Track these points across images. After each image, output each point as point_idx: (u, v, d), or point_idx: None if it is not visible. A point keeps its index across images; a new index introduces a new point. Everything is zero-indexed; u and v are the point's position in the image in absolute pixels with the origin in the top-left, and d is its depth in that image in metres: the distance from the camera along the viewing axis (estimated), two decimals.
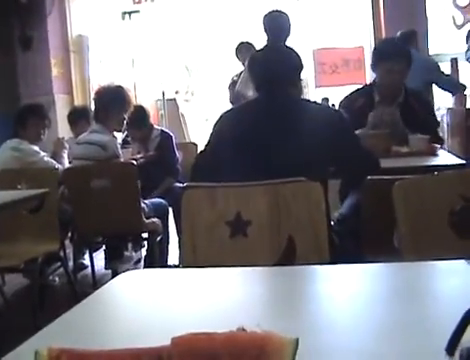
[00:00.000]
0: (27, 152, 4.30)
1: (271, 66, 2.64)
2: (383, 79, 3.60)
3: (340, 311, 1.14)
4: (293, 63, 2.68)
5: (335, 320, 1.09)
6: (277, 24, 5.09)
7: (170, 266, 4.48)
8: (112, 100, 4.10)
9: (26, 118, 4.45)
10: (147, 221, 3.99)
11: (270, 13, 5.15)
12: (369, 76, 7.63)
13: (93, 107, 4.37)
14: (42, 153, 4.38)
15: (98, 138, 4.01)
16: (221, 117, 2.66)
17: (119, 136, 4.80)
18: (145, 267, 4.46)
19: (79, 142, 4.18)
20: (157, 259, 4.15)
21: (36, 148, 4.37)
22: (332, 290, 1.28)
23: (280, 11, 5.18)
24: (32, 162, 4.27)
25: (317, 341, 0.95)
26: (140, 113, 4.80)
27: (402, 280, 1.30)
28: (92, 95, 5.93)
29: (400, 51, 3.64)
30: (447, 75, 6.39)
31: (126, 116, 4.20)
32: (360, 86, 4.01)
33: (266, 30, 5.12)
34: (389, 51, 3.62)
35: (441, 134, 4.38)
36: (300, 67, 2.72)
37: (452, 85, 6.31)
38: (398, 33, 6.14)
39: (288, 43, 4.72)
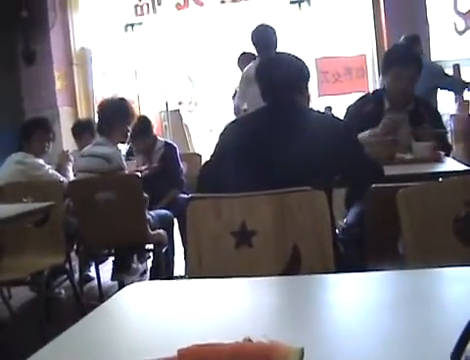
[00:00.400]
0: (32, 166, 4.32)
1: (274, 74, 2.64)
2: (392, 85, 3.57)
3: (346, 319, 1.14)
4: (297, 70, 2.68)
5: (341, 328, 1.09)
6: (264, 37, 5.37)
7: (176, 277, 4.48)
8: (115, 112, 4.12)
9: (31, 132, 4.47)
10: (152, 233, 4.00)
11: (257, 28, 5.46)
12: (372, 84, 7.64)
13: (97, 120, 4.38)
14: (47, 166, 4.39)
15: (102, 150, 4.02)
16: (226, 128, 2.67)
17: (123, 148, 4.81)
18: (151, 279, 4.46)
19: (83, 155, 4.19)
20: (163, 270, 4.15)
21: (41, 161, 4.38)
22: (338, 298, 1.28)
23: (266, 25, 5.48)
24: (37, 175, 4.28)
25: (323, 350, 0.96)
26: (144, 124, 4.83)
27: (407, 287, 1.30)
28: (96, 107, 5.96)
29: (409, 56, 3.62)
30: (450, 76, 6.39)
31: (130, 128, 4.22)
32: (370, 92, 3.99)
33: (254, 44, 5.44)
34: (399, 56, 3.60)
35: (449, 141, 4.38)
36: (305, 74, 2.72)
37: (456, 84, 6.30)
38: (401, 38, 6.16)
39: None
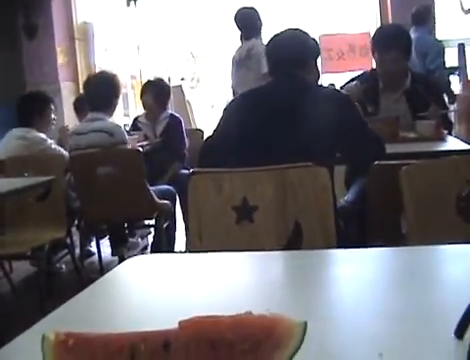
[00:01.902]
0: (34, 140, 4.30)
1: (279, 50, 2.63)
2: (378, 67, 3.63)
3: (347, 295, 1.14)
4: (302, 45, 2.66)
5: (342, 304, 1.09)
6: (249, 19, 5.60)
7: (177, 253, 4.48)
8: (104, 86, 4.12)
9: (34, 106, 4.44)
10: (158, 201, 3.98)
11: (240, 10, 5.68)
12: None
13: (87, 96, 4.35)
14: (49, 141, 4.38)
15: (104, 125, 4.01)
16: (229, 103, 2.67)
17: (125, 122, 4.81)
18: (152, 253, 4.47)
19: (79, 132, 4.14)
20: (164, 246, 4.15)
21: (43, 136, 4.36)
22: (339, 274, 1.28)
23: (249, 7, 5.70)
24: (40, 150, 4.26)
25: (324, 324, 0.95)
26: (164, 82, 5.12)
27: (409, 264, 1.30)
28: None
29: (390, 41, 3.56)
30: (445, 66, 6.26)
31: (117, 101, 4.26)
32: (366, 71, 3.98)
33: (239, 27, 5.66)
34: (379, 41, 3.63)
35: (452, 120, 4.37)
36: (311, 49, 2.70)
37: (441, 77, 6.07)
38: (413, 9, 6.08)
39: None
